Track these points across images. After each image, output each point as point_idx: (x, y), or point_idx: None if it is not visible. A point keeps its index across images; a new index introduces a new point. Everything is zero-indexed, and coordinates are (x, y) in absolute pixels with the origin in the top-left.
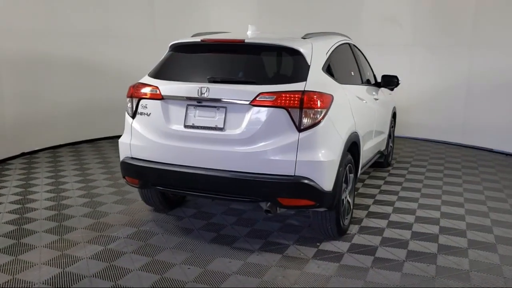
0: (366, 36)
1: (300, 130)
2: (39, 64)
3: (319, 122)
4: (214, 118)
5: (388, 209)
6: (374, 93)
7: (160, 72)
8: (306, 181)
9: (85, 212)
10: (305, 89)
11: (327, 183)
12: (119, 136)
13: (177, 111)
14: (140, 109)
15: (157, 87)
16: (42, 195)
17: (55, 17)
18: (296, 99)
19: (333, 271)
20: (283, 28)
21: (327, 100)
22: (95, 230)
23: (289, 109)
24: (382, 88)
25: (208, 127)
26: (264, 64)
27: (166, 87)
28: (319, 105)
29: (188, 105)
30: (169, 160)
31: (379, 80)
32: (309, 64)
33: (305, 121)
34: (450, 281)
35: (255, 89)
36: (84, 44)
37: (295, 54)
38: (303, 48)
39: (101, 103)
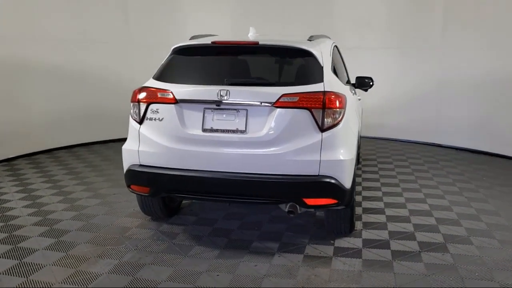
0: (340, 39)
1: (322, 130)
2: (15, 71)
3: (339, 122)
4: (235, 121)
5: (380, 204)
6: (357, 93)
7: (169, 75)
8: (330, 180)
9: (79, 226)
10: (325, 90)
11: (347, 181)
12: (98, 143)
13: (193, 115)
14: (149, 114)
15: (169, 91)
16: (22, 210)
17: (30, 23)
18: (319, 100)
19: (359, 266)
20: (261, 30)
21: (343, 100)
22: (99, 244)
23: (312, 109)
24: (356, 89)
25: (228, 130)
26: (279, 66)
27: (181, 90)
28: (338, 105)
29: (206, 108)
30: (187, 166)
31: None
32: (322, 65)
33: (327, 121)
34: (470, 267)
35: (277, 91)
36: (60, 49)
37: (308, 55)
38: (315, 50)
39: (78, 109)
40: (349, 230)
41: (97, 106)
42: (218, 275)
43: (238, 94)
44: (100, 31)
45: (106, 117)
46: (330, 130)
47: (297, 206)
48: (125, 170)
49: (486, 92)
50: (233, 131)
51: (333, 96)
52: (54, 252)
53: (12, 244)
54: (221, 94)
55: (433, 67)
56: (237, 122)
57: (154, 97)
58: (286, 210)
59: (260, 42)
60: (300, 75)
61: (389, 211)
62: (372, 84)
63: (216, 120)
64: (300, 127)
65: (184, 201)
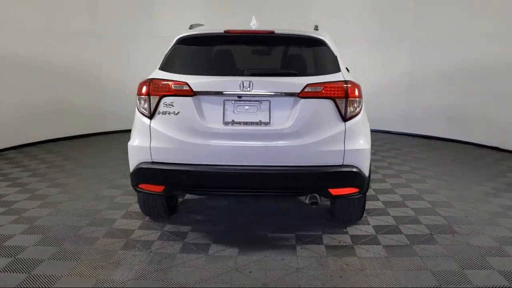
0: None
1: (345, 119)
2: None
3: (359, 111)
4: (257, 112)
5: (370, 191)
6: None
7: (180, 66)
8: (354, 169)
9: (77, 232)
10: (346, 79)
11: (367, 170)
12: (65, 139)
13: (212, 107)
14: (162, 108)
15: (185, 83)
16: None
17: None
18: (342, 89)
19: (384, 252)
20: (232, 20)
21: (361, 89)
22: (109, 250)
23: (336, 99)
24: None
25: (251, 122)
26: (297, 55)
27: (198, 82)
28: (358, 94)
29: (226, 100)
30: (207, 161)
31: None
32: (336, 55)
33: (349, 110)
34: (482, 243)
35: (301, 81)
36: (27, 42)
37: (323, 45)
38: (327, 39)
39: (46, 104)
40: (359, 217)
41: (65, 101)
42: (250, 272)
43: (261, 85)
44: (68, 23)
45: (75, 112)
46: (352, 120)
47: (317, 196)
48: (132, 169)
49: (455, 82)
50: (257, 124)
51: (354, 86)
52: (62, 262)
53: (10, 256)
54: (244, 85)
55: (404, 59)
56: (260, 114)
57: (167, 89)
58: (308, 201)
59: (276, 31)
60: (318, 65)
61: (383, 197)
62: None
63: (237, 112)
64: (324, 117)
65: (179, 199)
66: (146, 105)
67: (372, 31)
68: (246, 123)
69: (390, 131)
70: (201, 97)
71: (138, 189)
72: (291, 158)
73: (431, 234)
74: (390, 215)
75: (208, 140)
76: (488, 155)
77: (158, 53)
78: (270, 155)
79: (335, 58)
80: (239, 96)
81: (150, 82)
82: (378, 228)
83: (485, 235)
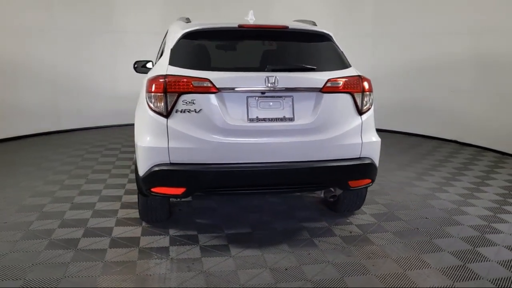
0: None
1: (361, 113)
2: None
3: (371, 104)
4: (281, 108)
5: None
6: None
7: (194, 62)
8: (371, 161)
9: (78, 245)
10: (359, 74)
11: (377, 161)
12: (14, 138)
13: (235, 104)
14: (181, 106)
15: (207, 79)
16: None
17: None
18: (358, 84)
19: (397, 237)
20: (194, 16)
21: (371, 84)
22: (126, 260)
23: (354, 93)
24: None
25: (275, 118)
26: (310, 51)
27: (221, 78)
28: (369, 88)
29: (249, 97)
30: (231, 159)
31: None
32: (341, 50)
33: (365, 104)
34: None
35: (323, 76)
36: None
37: (329, 40)
38: (332, 35)
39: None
40: (359, 207)
41: (15, 99)
42: (286, 269)
43: (286, 81)
44: (22, 18)
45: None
46: (366, 113)
47: (332, 189)
48: (144, 171)
49: (415, 78)
50: (281, 120)
51: (367, 80)
52: (85, 278)
53: None
54: (270, 80)
55: (366, 54)
56: (283, 110)
57: (187, 86)
58: (327, 195)
59: (290, 26)
60: (331, 60)
61: None
62: None
63: (261, 109)
64: (343, 111)
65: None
66: (161, 103)
67: (334, 27)
68: (271, 119)
69: None
70: (224, 93)
71: (152, 193)
72: (314, 153)
73: (426, 218)
74: (379, 203)
75: (232, 137)
76: (424, 143)
77: (117, 49)
78: (294, 151)
79: (342, 54)
80: (263, 92)
81: (165, 78)
82: (377, 216)
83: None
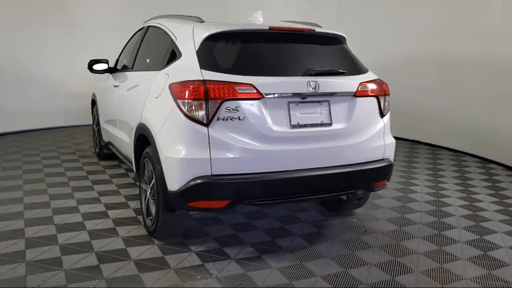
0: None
1: (382, 116)
2: None
3: (389, 107)
4: (318, 113)
5: None
6: None
7: (228, 65)
8: (391, 162)
9: (113, 274)
10: (379, 78)
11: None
12: None
13: (277, 110)
14: (224, 114)
15: (251, 85)
16: None
17: None
18: (382, 87)
19: (409, 224)
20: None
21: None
22: (171, 285)
23: (379, 97)
24: None
25: (315, 124)
26: (335, 54)
27: (265, 83)
28: (388, 91)
29: (290, 102)
30: (276, 167)
31: None
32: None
33: (386, 107)
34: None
35: (355, 80)
36: None
37: (344, 43)
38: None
39: None
40: (361, 205)
41: None
42: (348, 269)
43: (326, 85)
44: None
45: None
46: (386, 116)
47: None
48: (180, 185)
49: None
50: (320, 125)
51: (386, 84)
52: None
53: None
54: (311, 85)
55: None
56: (321, 114)
57: (231, 92)
58: (354, 197)
59: (316, 30)
60: (353, 64)
61: None
62: None
63: (301, 114)
64: (371, 114)
65: None
66: (201, 111)
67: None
68: (312, 125)
69: None
70: (267, 99)
71: (189, 208)
72: (349, 157)
73: (420, 211)
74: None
75: (277, 145)
76: None
77: (71, 44)
78: (332, 155)
79: (356, 57)
80: (304, 97)
81: (204, 84)
82: (381, 212)
83: None
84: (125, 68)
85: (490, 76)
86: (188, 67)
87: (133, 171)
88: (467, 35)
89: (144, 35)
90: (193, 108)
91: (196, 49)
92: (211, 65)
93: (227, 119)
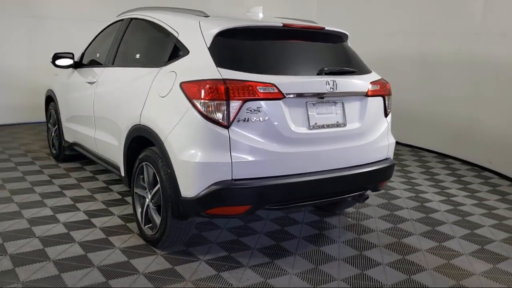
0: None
1: (386, 115)
2: None
3: (390, 107)
4: (334, 113)
5: None
6: None
7: (245, 63)
8: (394, 161)
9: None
10: (382, 78)
11: None
12: None
13: (296, 110)
14: (246, 115)
15: (272, 84)
16: None
17: None
18: (387, 87)
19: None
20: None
21: None
22: None
23: (385, 96)
24: None
25: (331, 124)
26: (344, 53)
27: (285, 83)
28: (391, 91)
29: (308, 102)
30: (296, 170)
31: None
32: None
33: (389, 106)
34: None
35: (366, 80)
36: None
37: (346, 41)
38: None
39: None
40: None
41: None
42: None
43: (342, 85)
44: None
45: None
46: (389, 115)
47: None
48: (199, 191)
49: None
50: (335, 125)
51: (389, 84)
52: None
53: None
54: (330, 85)
55: None
56: (336, 115)
57: (253, 92)
58: (360, 198)
59: (326, 27)
60: (359, 63)
61: None
62: None
63: (318, 114)
64: (377, 114)
65: None
66: (221, 112)
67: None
68: (329, 126)
69: None
70: (287, 99)
71: (208, 215)
72: (362, 157)
73: (408, 197)
74: None
75: (297, 146)
76: None
77: (37, 36)
78: (346, 156)
79: (359, 56)
80: (321, 97)
81: (224, 83)
82: (380, 207)
83: None
84: (96, 63)
85: (472, 75)
86: (200, 65)
87: (117, 174)
88: (447, 35)
89: (126, 28)
90: (212, 108)
91: (208, 46)
92: (227, 63)
93: (248, 120)
